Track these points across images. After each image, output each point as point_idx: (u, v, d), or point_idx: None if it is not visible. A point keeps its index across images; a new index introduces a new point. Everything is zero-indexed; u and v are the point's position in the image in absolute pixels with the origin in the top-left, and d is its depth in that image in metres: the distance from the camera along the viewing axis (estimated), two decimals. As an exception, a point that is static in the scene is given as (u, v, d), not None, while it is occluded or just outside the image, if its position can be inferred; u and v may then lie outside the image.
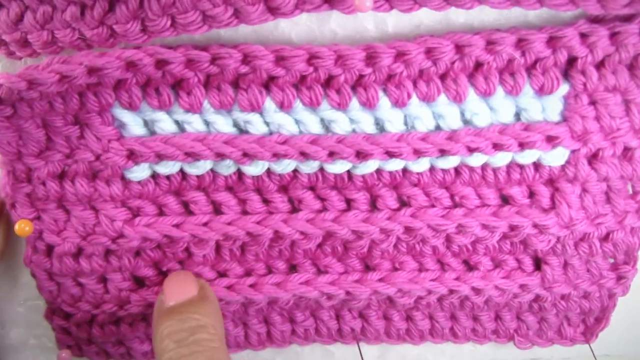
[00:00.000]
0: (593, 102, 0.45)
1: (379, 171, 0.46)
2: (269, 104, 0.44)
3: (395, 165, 0.46)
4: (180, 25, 0.40)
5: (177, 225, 0.47)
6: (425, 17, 0.43)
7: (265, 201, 0.48)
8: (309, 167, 0.46)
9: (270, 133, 0.45)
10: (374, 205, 0.48)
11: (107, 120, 0.44)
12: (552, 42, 0.42)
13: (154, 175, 0.47)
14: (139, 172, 0.46)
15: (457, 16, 0.43)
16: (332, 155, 0.44)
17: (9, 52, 0.44)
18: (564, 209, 0.47)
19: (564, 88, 0.44)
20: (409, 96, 0.44)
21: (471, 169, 0.47)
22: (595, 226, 0.48)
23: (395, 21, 0.43)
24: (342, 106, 0.44)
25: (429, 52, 0.42)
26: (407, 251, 0.50)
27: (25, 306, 0.56)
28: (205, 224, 0.47)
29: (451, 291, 0.51)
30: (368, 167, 0.46)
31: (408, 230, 0.48)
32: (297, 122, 0.45)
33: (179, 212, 0.48)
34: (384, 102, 0.44)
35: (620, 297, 0.54)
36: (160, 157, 0.44)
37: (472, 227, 0.47)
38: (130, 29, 0.40)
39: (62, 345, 0.53)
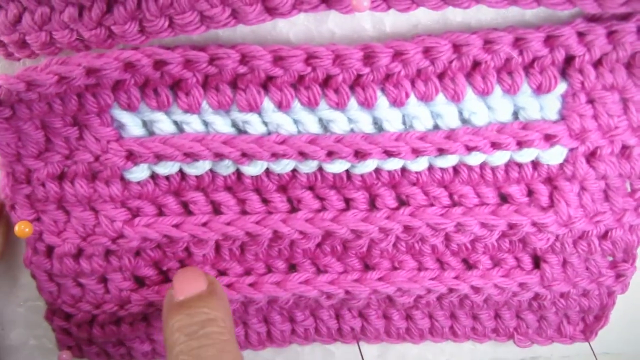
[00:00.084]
0: (591, 101, 0.45)
1: (377, 170, 0.47)
2: (267, 104, 0.44)
3: (393, 164, 0.46)
4: (178, 25, 0.40)
5: (176, 226, 0.47)
6: (422, 17, 0.43)
7: (265, 201, 0.48)
8: (308, 167, 0.46)
9: (269, 133, 0.45)
10: (373, 205, 0.48)
11: (106, 121, 0.44)
12: (550, 41, 0.42)
13: (153, 176, 0.47)
14: (138, 173, 0.46)
15: (454, 15, 0.43)
16: (330, 154, 0.45)
17: (8, 54, 0.44)
18: (563, 207, 0.47)
19: (561, 87, 0.44)
20: (407, 95, 0.44)
21: (470, 168, 0.47)
22: (593, 224, 0.48)
23: (393, 21, 0.43)
24: (340, 106, 0.44)
25: (426, 51, 0.42)
26: (407, 250, 0.50)
27: (25, 307, 0.56)
28: (204, 224, 0.47)
29: (450, 290, 0.51)
30: (367, 167, 0.46)
31: (407, 229, 0.48)
32: (295, 122, 0.45)
33: (178, 212, 0.48)
34: (382, 101, 0.44)
35: (620, 295, 0.54)
36: (159, 157, 0.44)
37: (471, 225, 0.47)
38: (128, 30, 0.40)
39: (63, 346, 0.53)
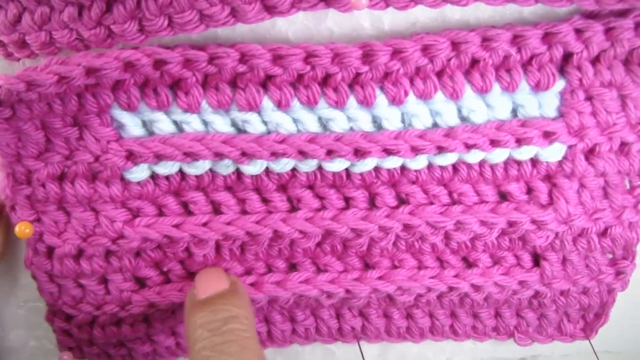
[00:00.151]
0: (589, 98, 0.45)
1: (377, 169, 0.47)
2: (267, 103, 0.44)
3: (393, 162, 0.46)
4: (177, 24, 0.40)
5: (177, 226, 0.47)
6: (421, 15, 0.43)
7: (265, 200, 0.48)
8: (308, 166, 0.46)
9: (269, 132, 0.45)
10: (372, 203, 0.48)
11: (105, 121, 0.44)
12: (548, 38, 0.43)
13: (153, 176, 0.47)
14: (138, 173, 0.46)
15: (452, 13, 0.43)
16: (330, 153, 0.45)
17: (7, 54, 0.44)
18: (562, 205, 0.47)
19: (560, 84, 0.44)
20: (406, 94, 0.44)
21: (469, 166, 0.47)
22: (593, 221, 0.48)
23: (392, 19, 0.43)
24: (339, 104, 0.44)
25: (425, 49, 0.42)
26: (406, 249, 0.50)
27: (25, 308, 0.56)
28: (204, 224, 0.47)
29: (451, 288, 0.51)
30: (366, 165, 0.46)
31: (407, 227, 0.48)
32: (295, 120, 0.45)
33: (178, 212, 0.48)
34: (381, 100, 0.44)
35: (620, 292, 0.54)
36: (159, 157, 0.45)
37: (470, 223, 0.47)
38: (128, 29, 0.40)
39: (63, 347, 0.53)
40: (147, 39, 0.41)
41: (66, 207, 0.47)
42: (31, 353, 0.58)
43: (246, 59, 0.42)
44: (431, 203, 0.48)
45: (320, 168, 0.46)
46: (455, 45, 0.43)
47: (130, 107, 0.44)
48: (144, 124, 0.45)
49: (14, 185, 0.46)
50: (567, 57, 0.44)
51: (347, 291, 0.50)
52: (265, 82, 0.44)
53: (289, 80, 0.44)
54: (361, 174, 0.47)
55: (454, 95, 0.44)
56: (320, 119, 0.45)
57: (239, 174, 0.47)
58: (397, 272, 0.51)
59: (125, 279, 0.50)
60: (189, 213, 0.48)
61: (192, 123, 0.45)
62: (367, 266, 0.51)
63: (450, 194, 0.48)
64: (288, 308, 0.54)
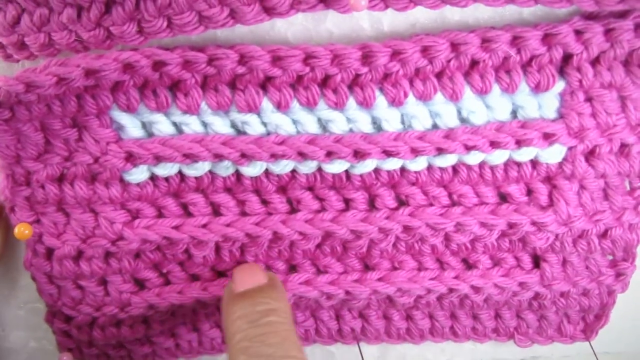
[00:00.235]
0: (589, 99, 0.45)
1: (377, 170, 0.47)
2: (266, 105, 0.44)
3: (393, 164, 0.46)
4: (176, 26, 0.40)
5: (176, 227, 0.47)
6: (420, 16, 0.43)
7: (264, 202, 0.48)
8: (307, 167, 0.46)
9: (268, 133, 0.45)
10: (372, 205, 0.48)
11: (105, 122, 0.44)
12: (547, 39, 0.43)
13: (153, 177, 0.47)
14: (138, 174, 0.46)
15: (452, 14, 0.43)
16: (330, 155, 0.45)
17: (6, 55, 0.44)
18: (562, 206, 0.47)
19: (559, 85, 0.44)
20: (406, 95, 0.44)
21: (469, 167, 0.47)
22: (593, 223, 0.48)
23: (391, 20, 0.43)
24: (339, 106, 0.44)
25: (424, 50, 0.42)
26: (406, 250, 0.50)
27: (25, 309, 0.56)
28: (204, 226, 0.47)
29: (451, 290, 0.51)
30: (366, 167, 0.46)
31: (407, 229, 0.48)
32: (294, 122, 0.45)
33: (178, 213, 0.48)
34: (380, 101, 0.44)
35: (620, 293, 0.54)
36: (158, 159, 0.44)
37: (470, 225, 0.47)
38: (127, 31, 0.40)
39: (63, 348, 0.53)
40: (146, 41, 0.41)
41: (65, 209, 0.47)
42: (31, 354, 0.58)
43: (245, 60, 0.42)
44: (431, 204, 0.48)
45: (319, 169, 0.46)
46: (454, 47, 0.42)
47: (129, 109, 0.44)
48: (144, 125, 0.45)
49: (14, 186, 0.46)
50: (567, 58, 0.44)
51: (347, 292, 0.50)
52: (265, 84, 0.44)
53: (288, 82, 0.43)
54: (361, 176, 0.47)
55: (454, 97, 0.44)
56: (319, 120, 0.45)
57: (238, 175, 0.47)
58: (397, 273, 0.51)
59: (125, 281, 0.50)
60: (189, 214, 0.48)
61: (192, 124, 0.45)
62: (367, 267, 0.51)
63: (450, 195, 0.48)
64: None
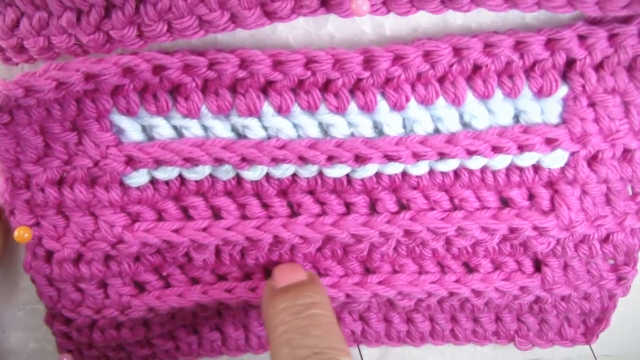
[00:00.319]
0: (592, 104, 0.44)
1: (378, 175, 0.46)
2: (267, 109, 0.44)
3: (394, 168, 0.46)
4: (176, 30, 0.40)
5: (176, 231, 0.47)
6: (422, 20, 0.43)
7: (265, 206, 0.48)
8: (308, 172, 0.46)
9: (269, 138, 0.45)
10: (373, 209, 0.48)
11: (105, 126, 0.44)
12: (551, 44, 0.42)
13: (153, 181, 0.46)
14: (138, 178, 0.45)
15: (454, 19, 0.43)
16: (331, 159, 0.44)
17: (6, 58, 0.44)
18: (564, 211, 0.47)
19: (562, 90, 0.44)
20: (407, 99, 0.44)
21: (470, 172, 0.47)
22: (595, 228, 0.48)
23: (393, 24, 0.43)
24: (340, 110, 0.44)
25: (426, 55, 0.42)
26: (407, 254, 0.50)
27: (25, 310, 0.56)
28: (204, 229, 0.47)
29: (451, 293, 0.51)
30: (367, 171, 0.46)
31: (408, 233, 0.47)
32: (295, 126, 0.44)
33: (178, 217, 0.47)
34: (382, 105, 0.44)
35: (621, 298, 0.54)
36: (158, 162, 0.44)
37: (471, 229, 0.47)
38: (127, 35, 0.40)
39: (63, 350, 0.53)
40: (146, 45, 0.41)
41: (65, 212, 0.47)
42: (31, 355, 0.58)
43: (246, 64, 0.42)
44: (432, 209, 0.48)
45: (320, 173, 0.46)
46: (457, 51, 0.42)
47: (129, 112, 0.44)
48: (144, 129, 0.45)
49: (13, 189, 0.46)
50: (570, 63, 0.43)
51: (348, 295, 0.50)
52: (266, 88, 0.43)
53: (289, 86, 0.43)
54: (362, 180, 0.46)
55: (456, 101, 0.44)
56: (320, 124, 0.45)
57: (239, 179, 0.47)
58: (398, 277, 0.50)
59: (125, 284, 0.49)
60: (189, 218, 0.48)
61: (192, 128, 0.44)
62: (368, 271, 0.51)
63: (451, 199, 0.48)
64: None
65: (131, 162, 0.44)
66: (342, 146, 0.44)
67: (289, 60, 0.42)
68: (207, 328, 0.55)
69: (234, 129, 0.45)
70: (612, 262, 0.52)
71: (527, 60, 0.43)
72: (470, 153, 0.44)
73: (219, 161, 0.44)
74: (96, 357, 0.54)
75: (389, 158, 0.44)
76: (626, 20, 0.42)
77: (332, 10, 0.40)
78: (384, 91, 0.44)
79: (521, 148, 0.44)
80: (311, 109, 0.44)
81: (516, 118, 0.45)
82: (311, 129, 0.44)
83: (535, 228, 0.47)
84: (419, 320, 0.56)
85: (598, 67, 0.44)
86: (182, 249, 0.48)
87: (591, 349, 0.57)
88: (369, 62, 0.42)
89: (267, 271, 0.50)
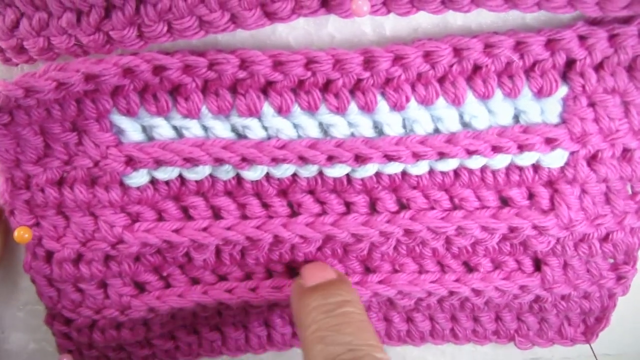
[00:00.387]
0: (592, 104, 0.44)
1: (378, 174, 0.46)
2: (267, 109, 0.44)
3: (394, 168, 0.46)
4: (176, 30, 0.40)
5: (176, 231, 0.47)
6: (423, 21, 0.43)
7: (265, 205, 0.48)
8: (308, 171, 0.46)
9: (269, 138, 0.45)
10: (373, 208, 0.48)
11: (105, 126, 0.44)
12: (551, 44, 0.42)
13: (153, 181, 0.46)
14: (138, 178, 0.45)
15: (454, 19, 0.43)
16: (331, 159, 0.44)
17: (6, 59, 0.44)
18: (564, 210, 0.47)
19: (562, 90, 0.44)
20: (408, 99, 0.44)
21: (470, 171, 0.47)
22: (594, 227, 0.48)
23: (393, 25, 0.43)
24: (340, 110, 0.44)
25: (427, 55, 0.42)
26: (407, 253, 0.50)
27: (25, 311, 0.56)
28: (204, 229, 0.47)
29: (451, 293, 0.51)
30: (367, 171, 0.46)
31: (408, 232, 0.48)
32: (295, 126, 0.44)
33: (178, 217, 0.47)
34: (382, 105, 0.44)
35: (621, 296, 0.54)
36: (158, 162, 0.44)
37: (471, 229, 0.47)
38: (127, 35, 0.40)
39: (63, 350, 0.53)
40: (146, 45, 0.41)
41: (65, 212, 0.47)
42: (31, 356, 0.57)
43: (246, 65, 0.42)
44: (432, 208, 0.48)
45: (321, 173, 0.46)
46: (457, 52, 0.42)
47: (129, 113, 0.44)
48: (144, 129, 0.45)
49: (13, 190, 0.46)
50: (570, 63, 0.43)
51: (348, 295, 0.50)
52: (266, 88, 0.43)
53: (289, 86, 0.43)
54: (362, 179, 0.46)
55: (456, 101, 0.44)
56: (321, 124, 0.45)
57: (239, 179, 0.47)
58: (398, 276, 0.51)
59: (125, 284, 0.49)
60: (189, 218, 0.48)
61: (192, 128, 0.44)
62: (368, 270, 0.51)
63: (451, 199, 0.48)
64: (288, 312, 0.54)
65: (131, 163, 0.44)
66: (342, 146, 0.44)
67: (289, 60, 0.42)
68: (207, 328, 0.55)
69: (234, 129, 0.45)
70: (611, 261, 0.52)
71: (527, 60, 0.43)
72: (470, 153, 0.44)
73: (219, 161, 0.44)
74: (96, 358, 0.54)
75: (389, 158, 0.44)
76: (626, 20, 0.42)
77: (332, 10, 0.40)
78: (384, 91, 0.44)
79: (521, 148, 0.45)
80: (311, 109, 0.44)
81: (516, 118, 0.45)
82: (311, 129, 0.44)
83: (535, 227, 0.47)
84: (419, 320, 0.56)
85: (598, 67, 0.44)
86: (182, 249, 0.48)
87: (591, 348, 0.58)
88: (369, 62, 0.42)
89: (267, 271, 0.51)
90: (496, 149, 0.44)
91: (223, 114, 0.44)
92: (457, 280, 0.51)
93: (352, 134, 0.45)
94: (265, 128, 0.44)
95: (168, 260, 0.49)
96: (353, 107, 0.44)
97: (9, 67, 0.45)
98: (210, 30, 0.40)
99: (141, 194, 0.46)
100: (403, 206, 0.48)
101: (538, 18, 0.43)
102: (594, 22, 0.42)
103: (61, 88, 0.40)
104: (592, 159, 0.46)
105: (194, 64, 0.41)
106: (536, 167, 0.47)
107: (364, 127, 0.44)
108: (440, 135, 0.45)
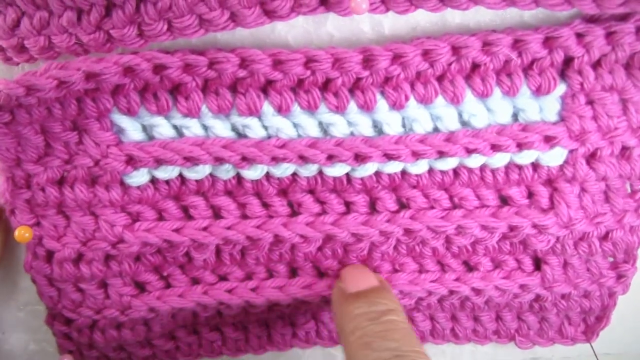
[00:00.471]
0: (590, 102, 0.45)
1: (377, 174, 0.46)
2: (267, 108, 0.44)
3: (394, 167, 0.46)
4: (176, 29, 0.40)
5: (177, 230, 0.47)
6: (421, 19, 0.43)
7: (265, 205, 0.48)
8: (308, 171, 0.46)
9: (269, 137, 0.45)
10: (373, 208, 0.48)
11: (105, 125, 0.44)
12: (549, 42, 0.42)
13: (153, 180, 0.46)
14: (138, 177, 0.46)
15: (453, 17, 0.43)
16: (330, 158, 0.44)
17: (6, 58, 0.44)
18: (563, 209, 0.47)
19: (561, 88, 0.44)
20: (407, 98, 0.44)
21: (470, 170, 0.47)
22: (594, 225, 0.48)
23: (392, 23, 0.43)
24: (340, 109, 0.44)
25: (425, 54, 0.42)
26: (407, 253, 0.50)
27: (25, 311, 0.56)
28: (205, 229, 0.47)
29: (451, 292, 0.51)
30: (367, 170, 0.46)
31: (408, 232, 0.48)
32: (295, 125, 0.45)
33: (178, 216, 0.48)
34: (381, 104, 0.44)
35: (621, 295, 0.54)
36: (159, 162, 0.44)
37: (471, 228, 0.47)
38: (127, 34, 0.40)
39: (63, 351, 0.53)
40: (146, 44, 0.41)
41: (66, 211, 0.47)
42: (31, 356, 0.57)
43: (246, 64, 0.42)
44: (432, 207, 0.48)
45: (320, 173, 0.46)
46: (455, 50, 0.42)
47: (130, 112, 0.44)
48: (144, 128, 0.45)
49: (14, 189, 0.46)
50: (568, 61, 0.43)
51: (348, 295, 0.50)
52: (266, 87, 0.44)
53: (289, 85, 0.43)
54: (362, 179, 0.47)
55: (455, 100, 0.44)
56: (320, 123, 0.45)
57: (239, 178, 0.47)
58: (398, 275, 0.50)
59: (125, 284, 0.49)
60: (189, 217, 0.48)
61: (192, 128, 0.44)
62: (368, 270, 0.51)
63: (451, 198, 0.48)
64: (288, 312, 0.54)
65: (131, 162, 0.45)
66: (342, 145, 0.44)
67: (289, 59, 0.42)
68: (207, 328, 0.55)
69: (234, 129, 0.45)
70: (611, 259, 0.52)
71: (526, 58, 0.43)
72: (469, 151, 0.45)
73: (219, 160, 0.44)
74: (97, 358, 0.54)
75: (389, 157, 0.44)
76: (623, 17, 0.42)
77: (331, 8, 0.40)
78: (383, 90, 0.44)
79: (520, 146, 0.45)
80: (311, 108, 0.44)
81: (515, 116, 0.45)
82: (311, 128, 0.45)
83: (534, 226, 0.47)
84: (420, 319, 0.56)
85: (596, 64, 0.44)
86: (182, 248, 0.48)
87: (592, 347, 0.58)
88: (368, 61, 0.42)
89: (268, 271, 0.51)
90: (495, 148, 0.45)
91: (223, 113, 0.44)
92: (457, 280, 0.51)
93: (352, 133, 0.45)
94: (265, 127, 0.45)
95: (168, 260, 0.49)
96: (352, 106, 0.44)
97: (9, 66, 0.45)
98: (210, 28, 0.40)
99: (141, 194, 0.46)
100: (403, 205, 0.48)
101: (536, 16, 0.43)
102: (591, 20, 0.43)
103: (62, 87, 0.40)
104: (591, 157, 0.46)
105: (194, 63, 0.42)
106: (535, 166, 0.47)
107: (364, 126, 0.45)
108: (439, 134, 0.45)
